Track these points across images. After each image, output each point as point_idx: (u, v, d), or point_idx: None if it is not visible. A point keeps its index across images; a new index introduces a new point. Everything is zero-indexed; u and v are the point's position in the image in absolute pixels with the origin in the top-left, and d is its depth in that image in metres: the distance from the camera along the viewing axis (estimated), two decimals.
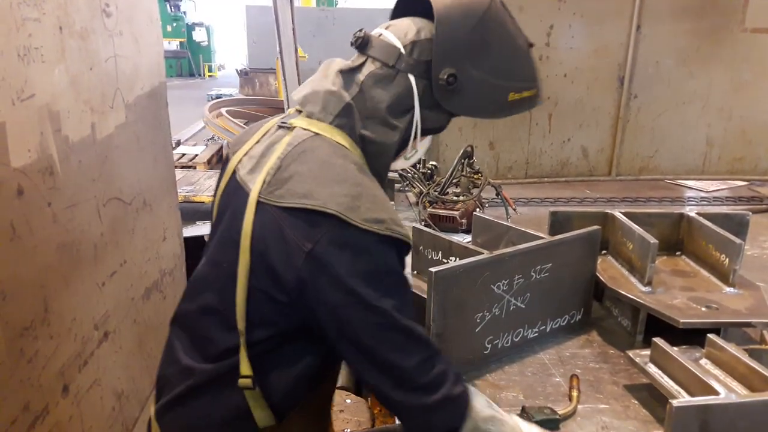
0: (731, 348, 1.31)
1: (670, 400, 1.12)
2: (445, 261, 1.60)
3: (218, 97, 11.67)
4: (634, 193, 3.10)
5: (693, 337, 1.44)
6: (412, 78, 1.18)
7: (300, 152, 1.13)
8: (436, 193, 2.46)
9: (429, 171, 2.67)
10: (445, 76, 1.16)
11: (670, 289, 1.62)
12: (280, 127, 1.21)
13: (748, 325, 1.50)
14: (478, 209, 2.52)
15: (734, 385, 1.25)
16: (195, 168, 6.64)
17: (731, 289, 1.60)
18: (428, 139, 1.29)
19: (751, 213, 1.85)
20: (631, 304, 1.62)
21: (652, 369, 1.36)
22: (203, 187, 5.23)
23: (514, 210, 2.57)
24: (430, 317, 1.36)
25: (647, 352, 1.41)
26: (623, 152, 2.91)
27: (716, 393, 1.16)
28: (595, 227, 1.66)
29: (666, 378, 1.31)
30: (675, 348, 1.35)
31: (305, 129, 1.17)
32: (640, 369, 1.38)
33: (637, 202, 3.03)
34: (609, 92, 2.83)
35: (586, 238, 1.64)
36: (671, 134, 2.90)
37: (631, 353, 1.42)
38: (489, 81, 1.20)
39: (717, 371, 1.32)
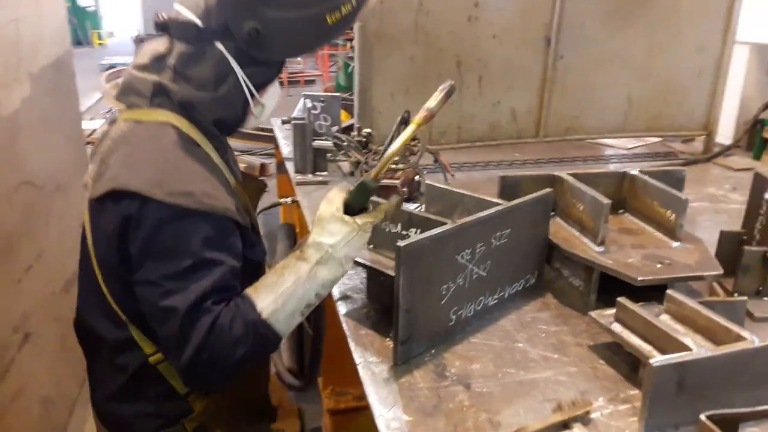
0: (690, 302, 1.35)
1: (648, 360, 1.13)
2: (404, 233, 1.54)
3: (112, 66, 10.90)
4: (559, 154, 3.17)
5: (642, 293, 1.47)
6: (219, 45, 1.16)
7: (117, 143, 1.17)
8: (376, 162, 2.38)
9: (364, 139, 2.59)
10: (246, 31, 1.13)
11: (623, 248, 1.65)
12: (109, 123, 1.26)
13: (700, 278, 1.55)
14: (417, 176, 2.48)
15: (698, 339, 1.29)
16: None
17: (678, 244, 1.65)
18: (275, 91, 1.31)
19: (686, 169, 1.91)
20: (584, 264, 1.64)
21: (618, 328, 1.38)
22: None
23: (452, 176, 2.55)
24: (398, 294, 1.30)
25: (609, 311, 1.43)
26: (550, 113, 2.95)
27: (687, 348, 1.19)
28: (548, 190, 1.66)
29: (633, 337, 1.33)
30: (632, 303, 1.38)
31: (126, 120, 1.20)
32: (605, 329, 1.39)
33: (563, 162, 3.10)
34: (537, 53, 2.83)
35: (540, 201, 1.63)
36: (595, 94, 2.96)
37: (594, 314, 1.43)
38: (296, 15, 1.16)
39: (678, 326, 1.35)
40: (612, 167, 3.06)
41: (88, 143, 6.21)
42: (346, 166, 2.74)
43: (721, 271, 1.50)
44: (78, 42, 19.89)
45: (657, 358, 1.13)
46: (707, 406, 1.04)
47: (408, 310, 1.32)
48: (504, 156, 3.15)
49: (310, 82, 11.61)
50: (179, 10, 1.19)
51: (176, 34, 1.19)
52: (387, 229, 1.58)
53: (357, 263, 1.61)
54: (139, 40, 12.67)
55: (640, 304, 1.41)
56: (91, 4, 20.38)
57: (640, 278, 1.47)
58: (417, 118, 1.15)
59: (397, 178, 2.37)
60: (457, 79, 2.78)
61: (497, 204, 1.56)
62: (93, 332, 1.28)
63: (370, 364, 1.36)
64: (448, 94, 1.15)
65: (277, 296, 1.11)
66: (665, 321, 1.36)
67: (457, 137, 2.91)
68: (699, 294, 1.68)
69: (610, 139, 3.30)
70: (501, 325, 1.54)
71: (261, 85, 1.25)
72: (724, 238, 1.72)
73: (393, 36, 2.61)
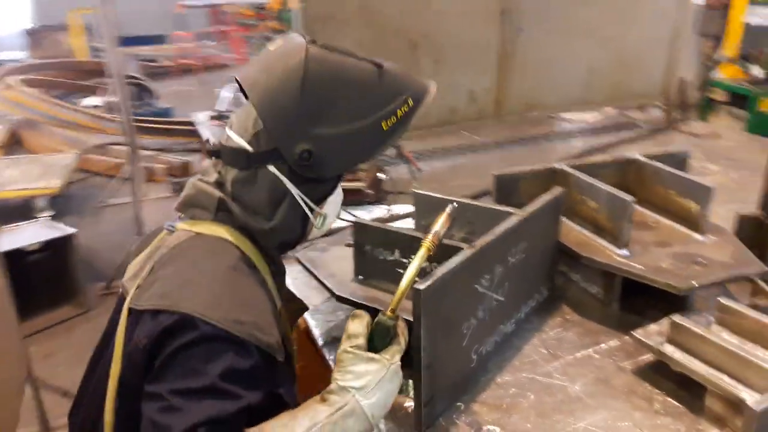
0: (752, 313, 1.16)
1: (749, 404, 0.93)
2: (404, 261, 1.27)
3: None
4: (518, 133, 2.99)
5: (661, 294, 1.31)
6: (272, 168, 1.10)
7: (174, 255, 1.10)
8: None
9: None
10: (298, 154, 1.07)
11: (647, 248, 1.44)
12: (167, 230, 1.17)
13: (746, 278, 1.37)
14: (380, 174, 2.20)
15: None
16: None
17: (704, 237, 1.47)
18: (336, 198, 1.20)
19: (690, 150, 1.74)
20: (601, 269, 1.44)
21: (670, 350, 1.17)
22: (3, 178, 4.21)
23: (419, 169, 2.29)
24: (419, 348, 1.03)
25: (653, 328, 1.23)
26: (510, 90, 2.73)
27: None
28: (560, 189, 1.43)
29: (695, 361, 1.13)
30: (686, 319, 1.18)
31: (187, 230, 1.14)
32: (657, 353, 1.18)
33: (524, 142, 2.92)
34: (493, 28, 2.60)
35: (553, 204, 1.40)
36: (555, 67, 2.76)
37: (638, 335, 1.22)
38: (350, 129, 1.09)
39: (734, 339, 1.16)
40: (575, 142, 2.90)
41: None
42: None
43: (765, 269, 1.32)
44: None
45: (756, 400, 0.93)
46: None
47: (429, 366, 1.06)
48: (461, 140, 2.93)
49: (222, 68, 10.94)
50: (229, 135, 1.13)
51: (227, 159, 1.13)
52: (381, 257, 1.30)
53: (346, 300, 1.33)
54: (33, 32, 11.55)
55: (676, 314, 1.21)
56: None
57: (685, 287, 1.27)
58: (427, 243, 1.02)
59: (360, 180, 2.09)
60: (413, 61, 2.51)
61: (508, 213, 1.31)
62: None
63: None
64: (452, 216, 1.06)
65: None
66: (727, 339, 1.16)
67: (413, 124, 2.65)
68: (726, 290, 1.51)
69: (569, 113, 3.14)
70: (526, 355, 1.31)
71: (321, 199, 1.16)
72: (743, 223, 1.56)
73: (339, 18, 2.30)
